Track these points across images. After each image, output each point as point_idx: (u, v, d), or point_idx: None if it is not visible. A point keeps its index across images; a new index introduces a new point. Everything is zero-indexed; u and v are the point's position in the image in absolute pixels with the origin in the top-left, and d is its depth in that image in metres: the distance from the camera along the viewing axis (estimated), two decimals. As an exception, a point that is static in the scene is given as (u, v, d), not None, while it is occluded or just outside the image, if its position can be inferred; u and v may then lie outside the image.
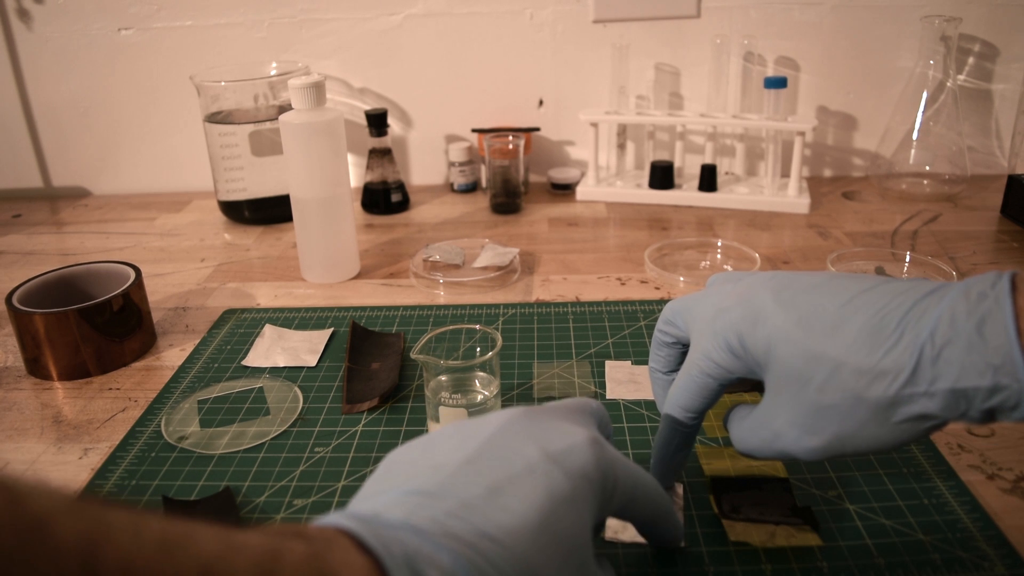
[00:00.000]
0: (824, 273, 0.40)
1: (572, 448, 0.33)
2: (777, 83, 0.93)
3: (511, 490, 0.30)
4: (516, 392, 0.60)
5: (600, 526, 0.42)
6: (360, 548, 0.26)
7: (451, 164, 1.08)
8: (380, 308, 0.74)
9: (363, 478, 0.51)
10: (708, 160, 1.02)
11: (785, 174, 1.00)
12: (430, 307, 0.74)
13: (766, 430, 0.39)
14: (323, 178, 0.77)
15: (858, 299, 0.36)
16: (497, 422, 0.34)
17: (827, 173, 1.11)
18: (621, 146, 1.07)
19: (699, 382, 0.42)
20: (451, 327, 0.56)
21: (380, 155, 1.02)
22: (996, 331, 0.32)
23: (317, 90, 0.74)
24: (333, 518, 0.28)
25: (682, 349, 0.46)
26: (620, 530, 0.45)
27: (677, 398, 0.43)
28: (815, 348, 0.36)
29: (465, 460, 0.31)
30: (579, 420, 0.37)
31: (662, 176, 1.01)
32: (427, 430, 0.56)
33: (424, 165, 1.13)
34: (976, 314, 0.32)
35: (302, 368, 0.65)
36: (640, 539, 0.44)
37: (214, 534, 0.23)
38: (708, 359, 0.41)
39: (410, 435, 0.55)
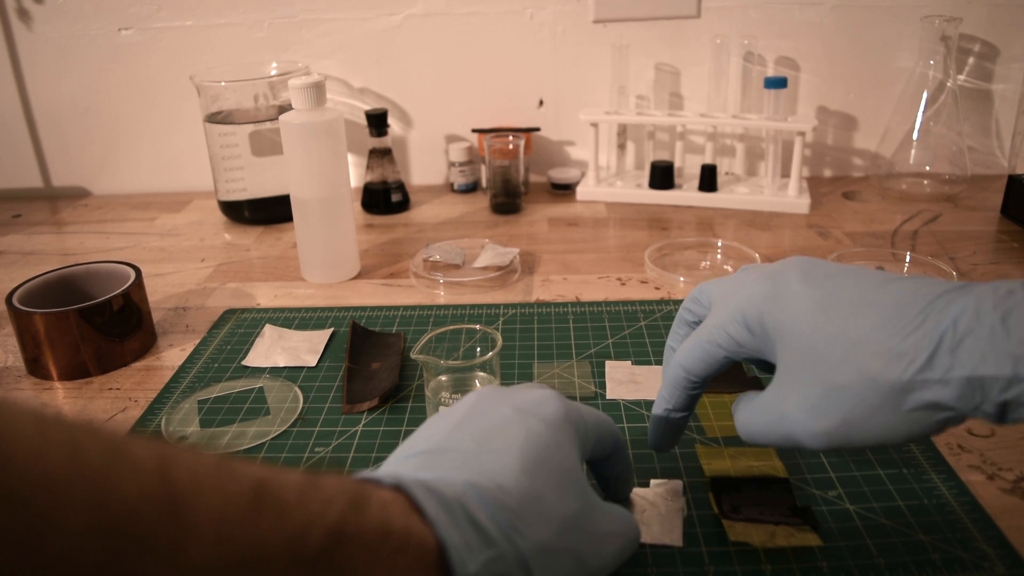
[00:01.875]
0: (853, 266, 0.40)
1: (541, 401, 0.38)
2: (777, 83, 0.93)
3: (494, 437, 0.35)
4: (516, 392, 0.60)
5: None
6: (382, 483, 0.30)
7: (451, 164, 1.08)
8: (380, 308, 0.74)
9: (363, 478, 0.51)
10: (708, 160, 1.02)
11: (785, 174, 1.00)
12: (430, 307, 0.74)
13: (773, 412, 0.39)
14: (323, 178, 0.77)
15: (883, 286, 0.36)
16: (472, 397, 0.39)
17: (827, 173, 1.11)
18: (621, 146, 1.07)
19: (707, 349, 0.41)
20: (451, 327, 0.56)
21: (380, 155, 1.02)
22: (1020, 323, 0.31)
23: (317, 90, 0.74)
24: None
25: None
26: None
27: (682, 359, 0.43)
28: (834, 326, 0.36)
29: (452, 426, 0.36)
30: (539, 386, 0.42)
31: (662, 176, 1.01)
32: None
33: (424, 165, 1.13)
34: (1002, 307, 0.32)
35: (302, 368, 0.65)
36: (652, 540, 0.44)
37: (260, 464, 0.26)
38: (721, 329, 0.41)
39: (410, 435, 0.55)
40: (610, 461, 0.43)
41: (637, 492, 0.47)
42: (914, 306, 0.34)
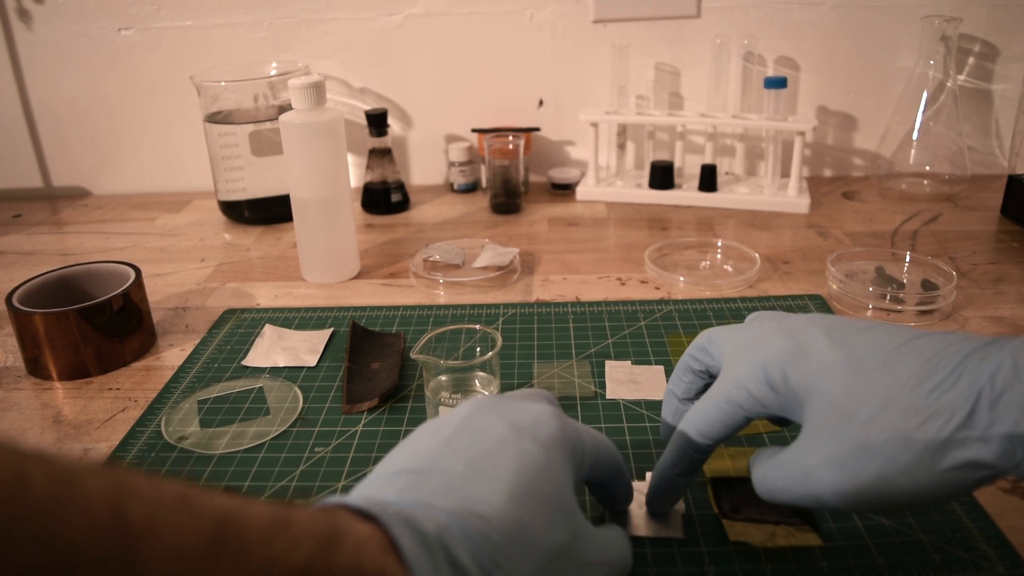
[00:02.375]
0: (874, 320, 0.39)
1: (538, 420, 0.36)
2: (777, 83, 0.93)
3: (488, 461, 0.33)
4: (516, 392, 0.60)
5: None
6: (360, 515, 0.29)
7: (451, 164, 1.08)
8: (380, 308, 0.74)
9: (363, 478, 0.51)
10: (708, 160, 1.02)
11: (785, 174, 1.00)
12: (430, 307, 0.74)
13: (796, 469, 0.37)
14: (323, 178, 0.77)
15: (912, 343, 0.35)
16: (466, 409, 0.37)
17: (827, 173, 1.11)
18: (621, 146, 1.07)
19: (725, 410, 0.40)
20: (451, 327, 0.56)
21: (380, 155, 1.02)
22: None
23: (317, 90, 0.74)
24: (327, 501, 0.30)
25: (707, 380, 0.45)
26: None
27: (696, 420, 0.41)
28: (864, 384, 0.35)
29: (443, 442, 0.34)
30: (539, 400, 0.39)
31: (662, 176, 1.01)
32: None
33: (424, 165, 1.13)
34: None
35: (302, 368, 0.65)
36: (638, 533, 0.44)
37: (227, 494, 0.25)
38: (742, 388, 0.39)
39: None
40: (609, 486, 0.42)
41: (636, 486, 0.47)
42: (947, 362, 0.34)
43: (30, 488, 0.19)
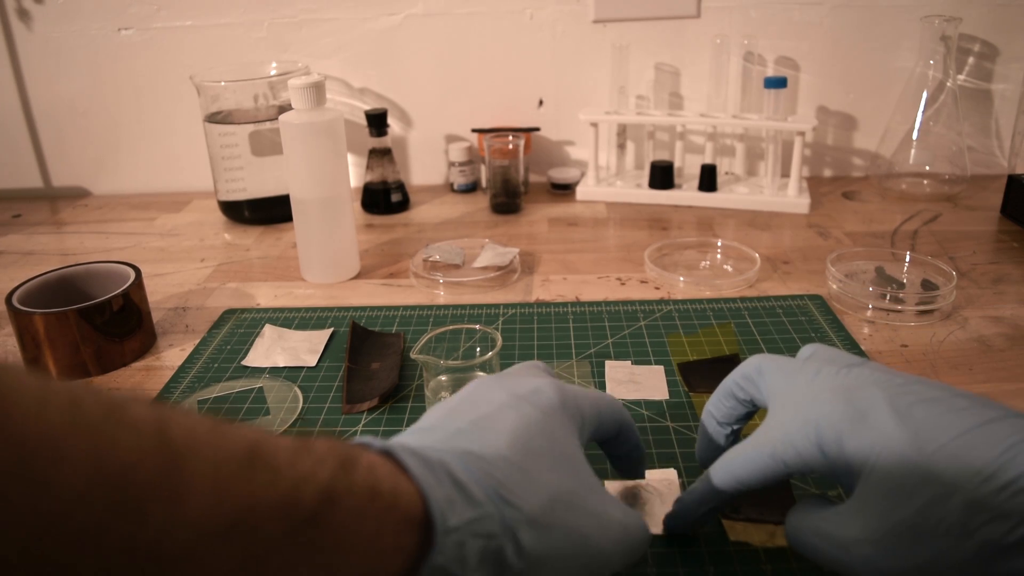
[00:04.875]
0: (941, 385, 0.37)
1: (537, 389, 0.38)
2: (777, 83, 0.93)
3: (489, 421, 0.36)
4: (516, 392, 0.60)
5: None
6: (370, 447, 0.31)
7: (451, 164, 1.08)
8: (380, 308, 0.74)
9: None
10: (708, 160, 1.02)
11: (785, 174, 1.00)
12: (430, 307, 0.74)
13: (835, 536, 0.35)
14: (323, 178, 0.77)
15: (986, 428, 0.33)
16: (470, 385, 0.40)
17: (827, 173, 1.11)
18: (621, 146, 1.07)
19: (768, 464, 0.38)
20: (451, 327, 0.56)
21: (380, 155, 1.02)
22: None
23: (317, 90, 0.74)
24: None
25: (750, 408, 0.44)
26: None
27: (735, 467, 0.40)
28: (928, 468, 0.32)
29: (448, 411, 0.37)
30: (538, 374, 0.42)
31: (662, 176, 1.01)
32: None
33: (424, 165, 1.13)
34: None
35: (302, 368, 0.65)
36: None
37: (253, 427, 0.27)
38: (791, 446, 0.37)
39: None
40: (617, 440, 0.43)
41: (638, 484, 0.47)
42: (1019, 455, 0.31)
43: (83, 410, 0.21)
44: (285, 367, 0.65)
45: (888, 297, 0.70)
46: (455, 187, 1.09)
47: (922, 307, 0.69)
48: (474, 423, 0.35)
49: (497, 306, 0.74)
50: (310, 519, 0.26)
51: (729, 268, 0.82)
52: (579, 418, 0.39)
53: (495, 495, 0.31)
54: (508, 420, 0.36)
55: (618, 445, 0.44)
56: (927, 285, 0.73)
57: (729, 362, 0.62)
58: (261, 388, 0.62)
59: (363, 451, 0.30)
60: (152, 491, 0.22)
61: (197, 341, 0.70)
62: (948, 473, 0.32)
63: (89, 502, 0.20)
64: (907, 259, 0.77)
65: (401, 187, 1.03)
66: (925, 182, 1.01)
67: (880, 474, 0.34)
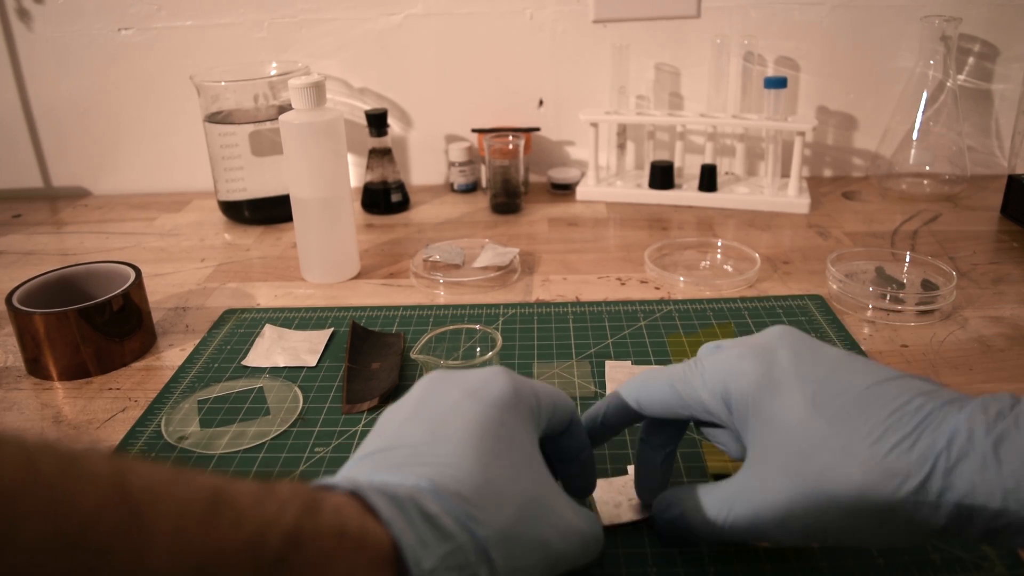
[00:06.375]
0: (838, 350, 0.39)
1: (488, 381, 0.38)
2: (777, 83, 0.93)
3: (447, 427, 0.35)
4: (516, 392, 0.60)
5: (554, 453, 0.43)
6: (336, 488, 0.31)
7: (451, 164, 1.08)
8: (380, 308, 0.74)
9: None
10: (708, 160, 1.02)
11: (785, 174, 1.00)
12: (430, 307, 0.74)
13: (744, 505, 0.37)
14: (323, 178, 0.77)
15: (876, 388, 0.36)
16: (421, 385, 0.39)
17: (827, 173, 1.11)
18: (621, 146, 1.07)
19: (670, 399, 0.41)
20: (451, 327, 0.56)
21: (380, 155, 1.02)
22: (1012, 453, 0.31)
23: (317, 90, 0.74)
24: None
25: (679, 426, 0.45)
26: (617, 515, 0.45)
27: (638, 390, 0.42)
28: (825, 428, 0.35)
29: (404, 419, 0.37)
30: (491, 366, 0.41)
31: (662, 176, 1.01)
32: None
33: (424, 165, 1.13)
34: (994, 432, 0.32)
35: (302, 368, 0.65)
36: (639, 516, 0.45)
37: (214, 473, 0.27)
38: (696, 394, 0.40)
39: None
40: (568, 434, 0.43)
41: (603, 491, 0.47)
42: (907, 420, 0.34)
43: (38, 469, 0.21)
44: (285, 367, 0.65)
45: (888, 297, 0.70)
46: (455, 187, 1.09)
47: (922, 307, 0.69)
48: (433, 433, 0.35)
49: (497, 306, 0.74)
50: (276, 563, 0.25)
51: (729, 268, 0.82)
52: (535, 406, 0.39)
53: (467, 519, 0.31)
54: (467, 424, 0.35)
55: (569, 441, 0.43)
56: (927, 285, 0.73)
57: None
58: (261, 388, 0.62)
59: (328, 493, 0.30)
60: (113, 544, 0.21)
61: (197, 341, 0.70)
62: (843, 434, 0.35)
63: (49, 559, 0.20)
64: (907, 259, 0.77)
65: (401, 187, 1.03)
66: (925, 182, 1.01)
67: (781, 435, 0.36)
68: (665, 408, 0.42)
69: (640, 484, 0.45)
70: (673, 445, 0.45)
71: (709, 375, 0.40)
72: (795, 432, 0.36)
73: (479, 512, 0.31)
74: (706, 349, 0.43)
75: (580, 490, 0.44)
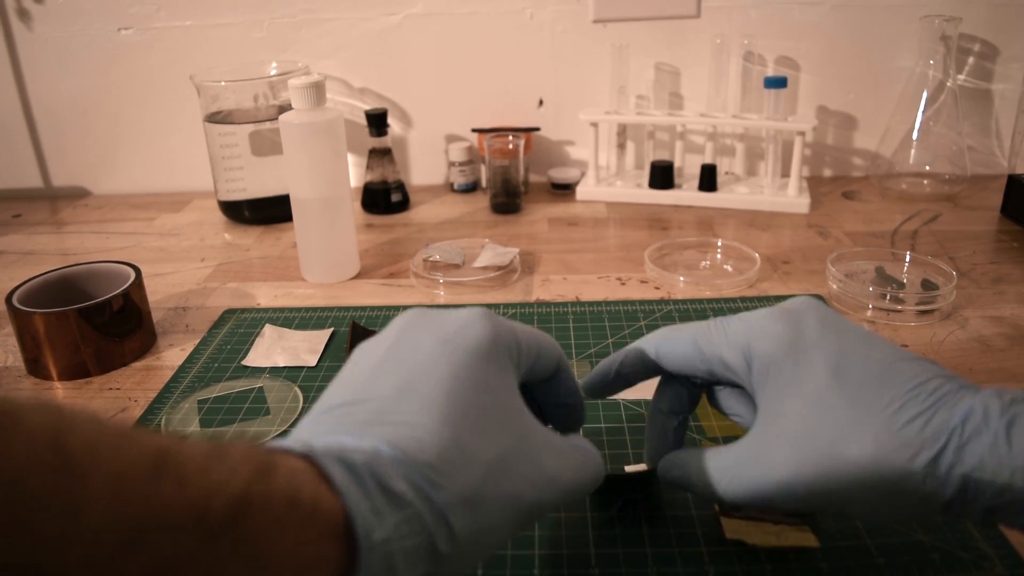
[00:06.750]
0: (863, 329, 0.40)
1: (465, 326, 0.36)
2: (777, 83, 0.93)
3: (417, 380, 0.33)
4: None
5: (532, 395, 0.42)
6: (290, 454, 0.30)
7: (451, 164, 1.08)
8: (380, 308, 0.74)
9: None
10: (708, 160, 1.02)
11: (785, 174, 1.00)
12: (430, 307, 0.74)
13: (754, 467, 0.37)
14: (323, 178, 0.77)
15: (897, 364, 0.36)
16: (396, 326, 0.38)
17: (827, 173, 1.11)
18: (621, 146, 1.07)
19: (693, 356, 0.41)
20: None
21: (380, 155, 1.02)
22: (1022, 434, 0.32)
23: (317, 90, 0.74)
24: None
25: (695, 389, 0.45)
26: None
27: (662, 343, 0.43)
28: (845, 395, 0.36)
29: (373, 367, 0.35)
30: (470, 308, 0.39)
31: (662, 176, 1.01)
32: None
33: (424, 165, 1.13)
34: (1008, 414, 0.33)
35: (302, 368, 0.65)
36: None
37: (166, 435, 0.26)
38: (717, 351, 0.40)
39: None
40: (553, 383, 0.42)
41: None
42: (924, 396, 0.35)
43: None
44: (285, 367, 0.65)
45: (888, 297, 0.70)
46: (455, 187, 1.09)
47: (922, 307, 0.69)
48: (400, 388, 0.33)
49: (497, 306, 0.74)
50: (221, 530, 0.24)
51: (729, 268, 0.82)
52: (515, 351, 0.37)
53: (426, 484, 0.30)
54: (438, 378, 0.33)
55: (555, 388, 0.42)
56: (927, 285, 0.73)
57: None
58: (261, 388, 0.62)
59: (283, 458, 0.28)
60: (46, 500, 0.21)
61: (197, 341, 0.70)
62: (862, 403, 0.35)
63: None
64: (907, 259, 0.77)
65: (401, 187, 1.03)
66: (925, 182, 1.01)
67: (800, 399, 0.37)
68: (684, 361, 0.42)
69: (651, 453, 0.45)
70: (686, 413, 0.44)
71: (734, 333, 0.40)
72: (814, 398, 0.36)
73: (440, 477, 0.30)
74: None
75: (566, 430, 0.43)
